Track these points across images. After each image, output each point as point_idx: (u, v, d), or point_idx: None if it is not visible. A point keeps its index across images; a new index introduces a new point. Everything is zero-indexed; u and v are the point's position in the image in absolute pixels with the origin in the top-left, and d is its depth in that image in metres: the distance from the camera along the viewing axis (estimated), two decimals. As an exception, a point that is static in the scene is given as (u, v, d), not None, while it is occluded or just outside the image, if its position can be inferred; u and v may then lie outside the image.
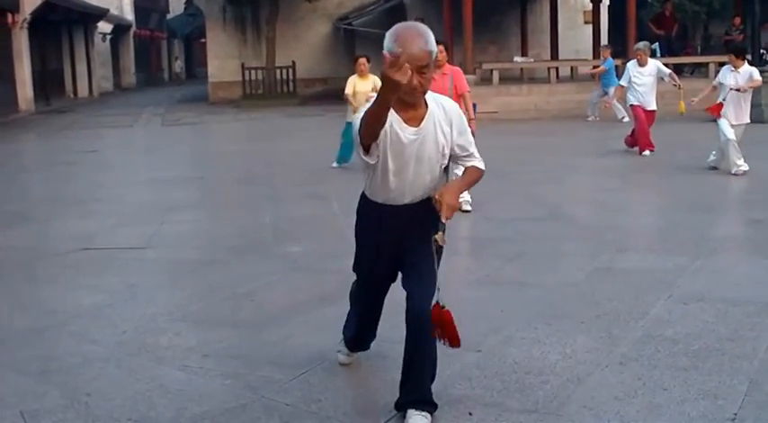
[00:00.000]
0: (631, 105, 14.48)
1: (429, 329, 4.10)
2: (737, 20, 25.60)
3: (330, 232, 9.00)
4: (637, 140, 14.37)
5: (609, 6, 30.39)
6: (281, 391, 4.68)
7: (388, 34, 3.83)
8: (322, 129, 20.96)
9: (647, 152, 14.17)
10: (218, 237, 9.25)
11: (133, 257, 8.23)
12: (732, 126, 11.78)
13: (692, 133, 16.48)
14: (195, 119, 25.91)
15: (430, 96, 4.04)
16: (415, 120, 4.00)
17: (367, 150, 3.92)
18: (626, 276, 6.90)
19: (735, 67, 11.83)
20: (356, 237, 4.52)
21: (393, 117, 3.90)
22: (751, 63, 19.44)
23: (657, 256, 7.59)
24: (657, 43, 24.66)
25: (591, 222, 9.22)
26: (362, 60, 13.14)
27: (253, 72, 30.59)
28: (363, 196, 4.40)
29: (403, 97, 3.82)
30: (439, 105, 4.10)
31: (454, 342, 4.12)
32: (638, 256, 7.60)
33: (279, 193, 11.78)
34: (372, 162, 3.97)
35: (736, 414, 4.22)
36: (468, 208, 9.52)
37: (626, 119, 19.87)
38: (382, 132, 3.84)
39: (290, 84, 30.88)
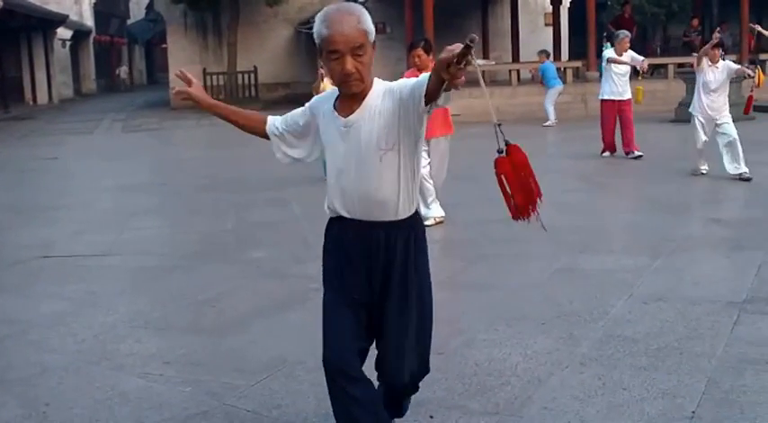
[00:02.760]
0: (604, 100, 14.18)
1: (410, 392, 3.84)
2: (695, 21, 25.95)
3: (292, 237, 8.99)
4: (626, 143, 14.07)
5: (569, 9, 30.66)
6: (242, 398, 4.66)
7: (317, 18, 3.40)
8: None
9: (606, 153, 14.26)
10: (181, 243, 9.21)
11: (94, 264, 8.17)
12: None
13: (650, 133, 16.61)
14: (157, 125, 25.78)
15: (380, 83, 3.44)
16: (347, 111, 3.44)
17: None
18: (587, 277, 6.95)
19: (713, 61, 11.63)
20: (323, 274, 3.69)
21: (330, 105, 3.52)
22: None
23: (618, 256, 7.65)
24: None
25: (554, 224, 9.21)
26: (323, 71, 13.05)
27: (214, 77, 30.54)
28: (329, 221, 3.66)
29: (339, 87, 3.42)
30: (382, 87, 3.44)
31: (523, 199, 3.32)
32: (599, 257, 7.65)
33: (241, 199, 11.74)
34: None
35: (694, 412, 4.26)
36: (432, 222, 9.05)
37: (549, 123, 20.08)
38: (316, 123, 3.60)
39: (253, 89, 30.86)
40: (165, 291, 7.12)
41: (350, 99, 3.42)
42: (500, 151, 3.15)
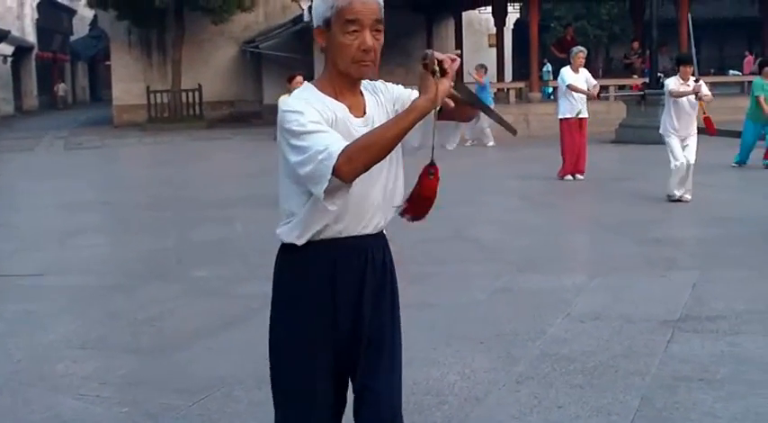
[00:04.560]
0: (563, 119, 13.93)
1: None
2: (636, 44, 26.50)
3: (234, 256, 8.97)
4: (579, 164, 13.88)
5: (513, 30, 31.03)
6: (179, 418, 4.64)
7: None
8: (229, 152, 20.88)
9: (569, 177, 13.87)
10: (121, 262, 9.14)
11: (32, 284, 8.08)
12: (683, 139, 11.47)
13: (592, 154, 16.81)
14: (99, 142, 25.54)
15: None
16: (357, 108, 2.98)
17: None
18: (526, 296, 7.03)
19: (684, 78, 11.54)
20: (277, 336, 3.07)
21: (336, 106, 2.91)
22: (649, 85, 20.11)
23: (558, 275, 7.74)
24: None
25: (495, 243, 9.36)
26: (299, 78, 12.61)
27: (158, 95, 30.39)
28: (288, 251, 3.01)
29: (348, 70, 2.91)
30: (366, 89, 3.07)
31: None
32: (538, 276, 7.74)
33: (184, 218, 11.68)
34: (331, 208, 2.83)
35: (627, 429, 4.33)
36: None
37: (491, 143, 20.02)
38: (325, 118, 2.86)
39: (197, 107, 30.73)
40: (104, 310, 7.06)
41: (350, 93, 2.98)
42: (430, 174, 2.86)
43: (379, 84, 3.12)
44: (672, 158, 11.33)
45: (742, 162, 14.74)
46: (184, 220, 11.44)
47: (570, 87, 13.67)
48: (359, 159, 2.70)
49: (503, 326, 6.15)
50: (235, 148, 22.56)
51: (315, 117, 2.81)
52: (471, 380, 5.08)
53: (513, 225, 10.41)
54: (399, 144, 2.85)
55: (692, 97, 11.28)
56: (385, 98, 3.08)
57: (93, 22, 54.70)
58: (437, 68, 2.68)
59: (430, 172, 2.83)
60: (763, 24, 26.83)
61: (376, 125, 2.89)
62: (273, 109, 20.31)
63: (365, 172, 2.74)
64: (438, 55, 2.71)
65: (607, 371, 5.16)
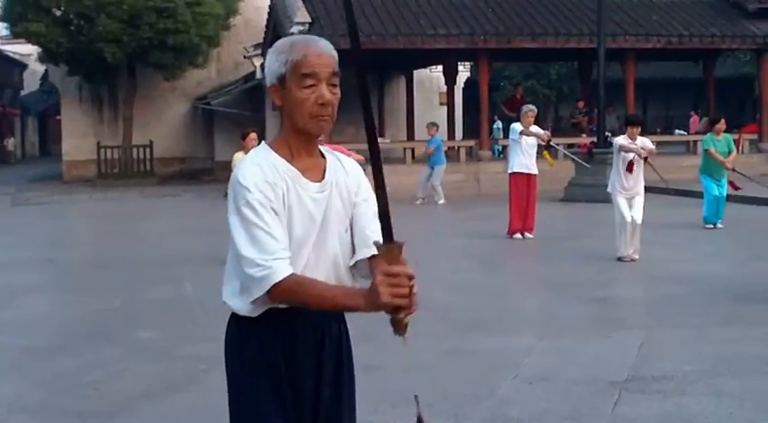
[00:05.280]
0: (513, 174, 13.99)
1: None
2: (581, 103, 27.17)
3: (183, 317, 8.88)
4: (527, 223, 13.92)
5: (463, 89, 31.39)
6: (122, 485, 4.57)
7: (272, 51, 2.88)
8: (179, 209, 20.77)
9: (518, 235, 13.89)
10: (67, 322, 9.01)
11: (-26, 345, 7.94)
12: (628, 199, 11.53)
13: (541, 212, 16.96)
14: (48, 198, 25.25)
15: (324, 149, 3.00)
16: (314, 171, 2.88)
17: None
18: (474, 357, 7.04)
19: (631, 138, 11.62)
20: (237, 408, 2.96)
21: (288, 170, 2.83)
22: (597, 145, 20.40)
23: (506, 336, 7.76)
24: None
25: (443, 304, 9.36)
26: (253, 135, 12.57)
27: (109, 151, 30.25)
28: (241, 321, 2.91)
29: (306, 127, 2.83)
30: (333, 155, 2.99)
31: None
32: (487, 337, 7.76)
33: (132, 276, 11.55)
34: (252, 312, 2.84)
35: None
36: None
37: (441, 201, 20.03)
38: (276, 193, 2.78)
39: (148, 163, 30.61)
40: (48, 372, 6.94)
41: (306, 153, 2.90)
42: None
43: (351, 162, 3.03)
44: (618, 217, 11.48)
45: (710, 219, 14.55)
46: (132, 279, 11.32)
47: (523, 132, 13.80)
48: (295, 295, 2.73)
49: (451, 388, 6.14)
50: (185, 206, 22.45)
51: (263, 198, 2.76)
52: (419, 444, 5.05)
53: (462, 285, 10.44)
54: (348, 232, 2.91)
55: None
56: (351, 177, 2.97)
57: (44, 77, 54.32)
58: (402, 326, 2.66)
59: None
60: (707, 85, 27.45)
61: (334, 193, 2.87)
62: (225, 166, 20.28)
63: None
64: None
65: (554, 434, 5.18)
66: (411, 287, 2.60)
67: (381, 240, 2.63)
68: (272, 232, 2.75)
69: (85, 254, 14.03)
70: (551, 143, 13.60)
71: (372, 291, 2.59)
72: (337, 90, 2.85)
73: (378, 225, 2.66)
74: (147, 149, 30.52)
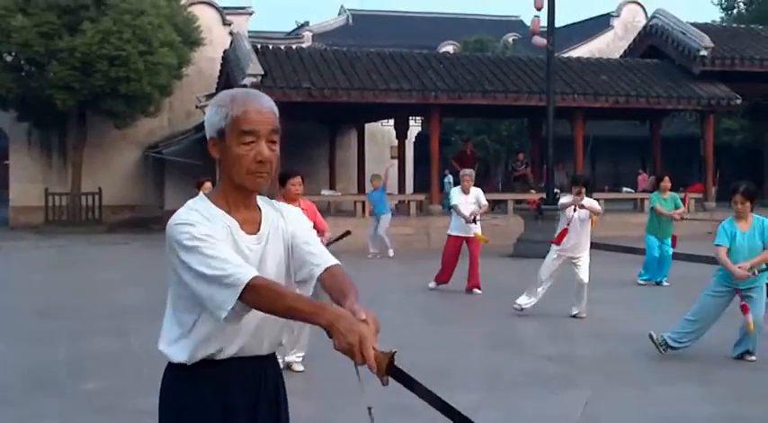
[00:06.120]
0: (451, 235, 14.28)
1: None
2: (521, 155, 28.10)
3: (127, 369, 8.78)
4: (472, 280, 14.18)
5: (414, 143, 31.66)
6: None
7: (212, 104, 2.89)
8: (127, 258, 20.57)
9: (432, 284, 14.41)
10: (7, 374, 8.84)
11: None
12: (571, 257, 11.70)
13: (489, 268, 17.08)
14: (-8, 245, 24.90)
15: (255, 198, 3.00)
16: (251, 224, 2.91)
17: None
18: (419, 415, 6.99)
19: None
20: None
21: (227, 219, 2.86)
22: (546, 201, 20.62)
23: (451, 392, 7.65)
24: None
25: (391, 358, 9.34)
26: (208, 184, 12.49)
27: (57, 197, 29.94)
28: (177, 370, 2.94)
29: (243, 183, 2.85)
30: (269, 205, 3.02)
31: None
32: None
33: (77, 327, 11.39)
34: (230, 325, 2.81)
35: None
36: (301, 368, 8.46)
37: (391, 253, 20.20)
38: (222, 238, 2.81)
39: (96, 210, 30.34)
40: (-13, 425, 6.82)
41: (244, 206, 2.92)
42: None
43: (289, 208, 3.06)
44: (541, 269, 11.80)
45: (652, 278, 14.86)
46: (77, 329, 11.16)
47: (454, 208, 14.17)
48: (267, 293, 2.68)
49: (397, 445, 6.12)
50: (132, 254, 22.24)
51: (206, 230, 2.76)
52: None
53: (408, 340, 10.41)
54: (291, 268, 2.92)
55: (583, 214, 11.60)
56: (287, 224, 2.99)
57: (-7, 122, 53.90)
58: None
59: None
60: (653, 144, 27.94)
61: (269, 245, 2.89)
62: (174, 215, 20.14)
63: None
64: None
65: (499, 493, 5.17)
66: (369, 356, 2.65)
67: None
68: (226, 252, 2.75)
69: (29, 302, 13.80)
70: (476, 218, 13.97)
71: (336, 326, 2.64)
72: (276, 147, 2.86)
73: (320, 247, 2.91)
74: (96, 197, 30.27)
